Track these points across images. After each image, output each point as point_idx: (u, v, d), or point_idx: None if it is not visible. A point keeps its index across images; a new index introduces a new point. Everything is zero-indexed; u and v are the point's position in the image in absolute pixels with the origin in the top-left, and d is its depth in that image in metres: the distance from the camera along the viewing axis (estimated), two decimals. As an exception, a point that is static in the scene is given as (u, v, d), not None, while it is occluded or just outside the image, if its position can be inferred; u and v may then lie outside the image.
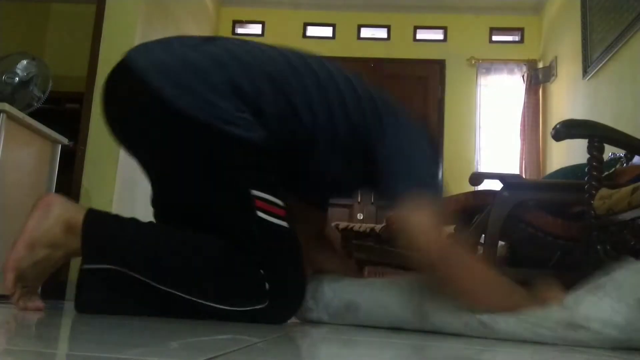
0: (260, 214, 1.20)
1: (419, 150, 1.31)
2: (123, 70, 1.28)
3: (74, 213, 1.19)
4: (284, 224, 1.23)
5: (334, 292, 1.38)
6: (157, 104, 1.21)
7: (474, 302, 1.21)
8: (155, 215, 1.38)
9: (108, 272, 1.17)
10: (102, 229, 1.20)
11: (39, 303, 1.20)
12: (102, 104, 1.35)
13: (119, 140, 1.36)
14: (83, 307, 1.18)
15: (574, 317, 1.10)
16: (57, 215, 1.18)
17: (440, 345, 0.99)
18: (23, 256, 1.16)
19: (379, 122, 1.32)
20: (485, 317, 1.18)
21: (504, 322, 1.16)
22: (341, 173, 1.39)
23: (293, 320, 1.33)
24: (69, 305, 1.40)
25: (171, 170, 1.28)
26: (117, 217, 1.25)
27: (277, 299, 1.19)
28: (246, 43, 1.36)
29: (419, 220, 1.23)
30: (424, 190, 1.25)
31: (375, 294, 1.33)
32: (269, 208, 1.21)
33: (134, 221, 1.25)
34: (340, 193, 1.52)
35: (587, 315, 1.09)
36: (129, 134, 1.33)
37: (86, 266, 1.17)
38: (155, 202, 1.38)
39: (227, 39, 1.37)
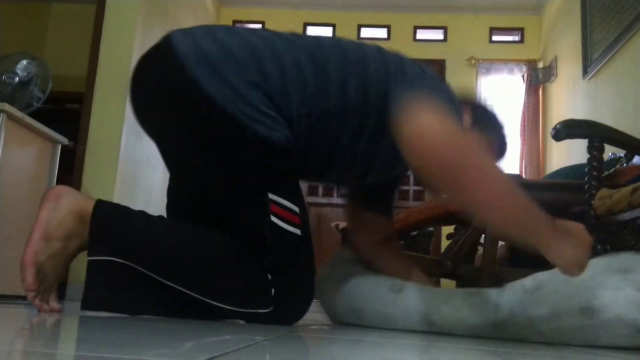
0: (273, 218, 1.19)
1: (432, 85, 1.22)
2: (161, 50, 1.24)
3: (85, 202, 1.18)
4: (297, 231, 1.21)
5: (342, 295, 1.37)
6: (190, 89, 1.17)
7: (491, 214, 1.11)
8: (168, 205, 1.36)
9: (114, 265, 1.16)
10: (111, 220, 1.19)
11: (55, 304, 1.18)
12: (131, 83, 1.30)
13: (140, 119, 1.32)
14: (88, 304, 1.17)
15: (593, 301, 1.09)
16: (68, 205, 1.17)
17: (450, 346, 0.99)
18: (40, 249, 1.14)
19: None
20: (500, 319, 1.16)
21: (518, 321, 1.15)
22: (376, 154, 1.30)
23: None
24: (68, 306, 1.40)
25: (190, 161, 1.25)
26: (126, 209, 1.23)
27: (282, 305, 1.18)
28: (280, 33, 1.29)
29: (428, 119, 1.09)
30: (433, 95, 1.13)
31: (378, 305, 1.31)
32: (284, 214, 1.20)
33: (142, 214, 1.23)
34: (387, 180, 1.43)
35: (605, 300, 1.08)
36: (154, 115, 1.29)
37: (91, 257, 1.16)
38: (170, 192, 1.36)
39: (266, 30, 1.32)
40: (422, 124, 1.11)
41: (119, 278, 1.17)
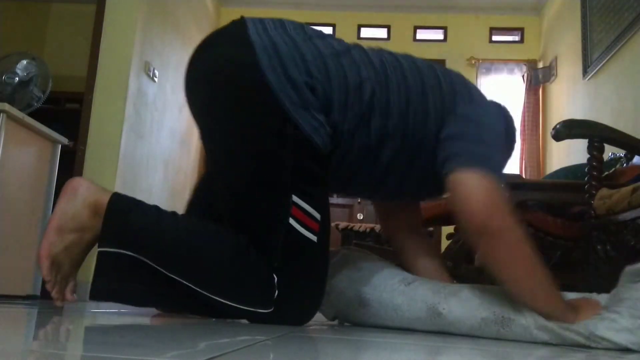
0: (292, 221, 1.17)
1: (490, 130, 1.26)
2: (234, 29, 1.27)
3: (100, 195, 1.20)
4: (313, 237, 1.19)
5: (350, 281, 1.36)
6: (251, 72, 1.18)
7: (516, 287, 1.17)
8: (192, 202, 1.41)
9: (123, 258, 1.17)
10: (124, 213, 1.20)
11: (69, 295, 1.21)
12: (194, 52, 1.31)
13: (188, 97, 1.32)
14: (96, 295, 1.19)
15: (590, 340, 1.09)
16: (84, 198, 1.19)
17: (456, 346, 0.99)
18: (54, 241, 1.17)
19: (453, 105, 1.31)
20: (507, 314, 1.17)
21: (523, 320, 1.15)
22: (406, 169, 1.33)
23: None
24: (75, 305, 1.40)
25: (228, 147, 1.24)
26: (140, 203, 1.24)
27: (284, 308, 1.17)
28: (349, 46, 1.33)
29: (481, 184, 1.15)
30: (489, 165, 1.18)
31: (386, 294, 1.31)
32: (303, 218, 1.18)
33: (155, 208, 1.24)
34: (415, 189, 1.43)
35: (603, 336, 1.08)
36: (204, 96, 1.28)
37: (101, 249, 1.17)
38: (199, 188, 1.40)
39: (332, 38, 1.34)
40: (472, 190, 1.16)
41: (127, 270, 1.18)
